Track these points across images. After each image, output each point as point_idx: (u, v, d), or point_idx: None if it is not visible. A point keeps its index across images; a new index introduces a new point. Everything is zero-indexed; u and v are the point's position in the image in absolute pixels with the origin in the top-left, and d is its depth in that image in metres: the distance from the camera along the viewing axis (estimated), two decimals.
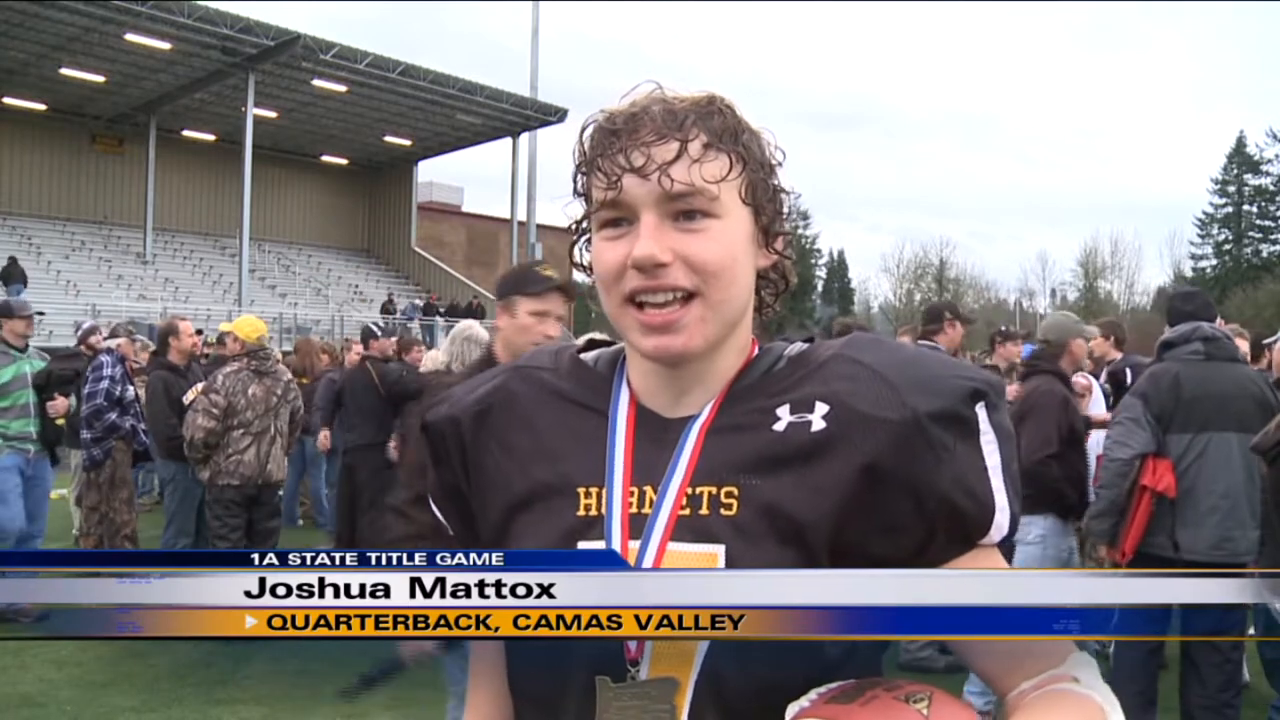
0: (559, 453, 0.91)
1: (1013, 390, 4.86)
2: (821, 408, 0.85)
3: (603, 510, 0.87)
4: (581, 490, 0.88)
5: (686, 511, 0.84)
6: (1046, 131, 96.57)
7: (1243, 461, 3.62)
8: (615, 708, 0.82)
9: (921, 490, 0.82)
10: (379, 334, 6.84)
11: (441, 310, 28.14)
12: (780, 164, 0.91)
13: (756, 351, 0.94)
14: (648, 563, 0.84)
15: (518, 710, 0.93)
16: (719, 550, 0.83)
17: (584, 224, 0.91)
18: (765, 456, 0.84)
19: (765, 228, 0.90)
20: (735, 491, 0.84)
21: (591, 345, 1.02)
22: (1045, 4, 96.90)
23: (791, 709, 0.77)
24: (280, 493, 5.99)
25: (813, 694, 0.77)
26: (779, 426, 0.85)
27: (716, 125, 0.85)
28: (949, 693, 0.76)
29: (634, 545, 0.84)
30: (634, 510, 0.86)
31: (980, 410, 0.85)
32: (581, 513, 0.87)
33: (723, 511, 0.84)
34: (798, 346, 0.94)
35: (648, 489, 0.86)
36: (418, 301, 30.18)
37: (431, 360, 6.73)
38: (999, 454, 0.85)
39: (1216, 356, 3.70)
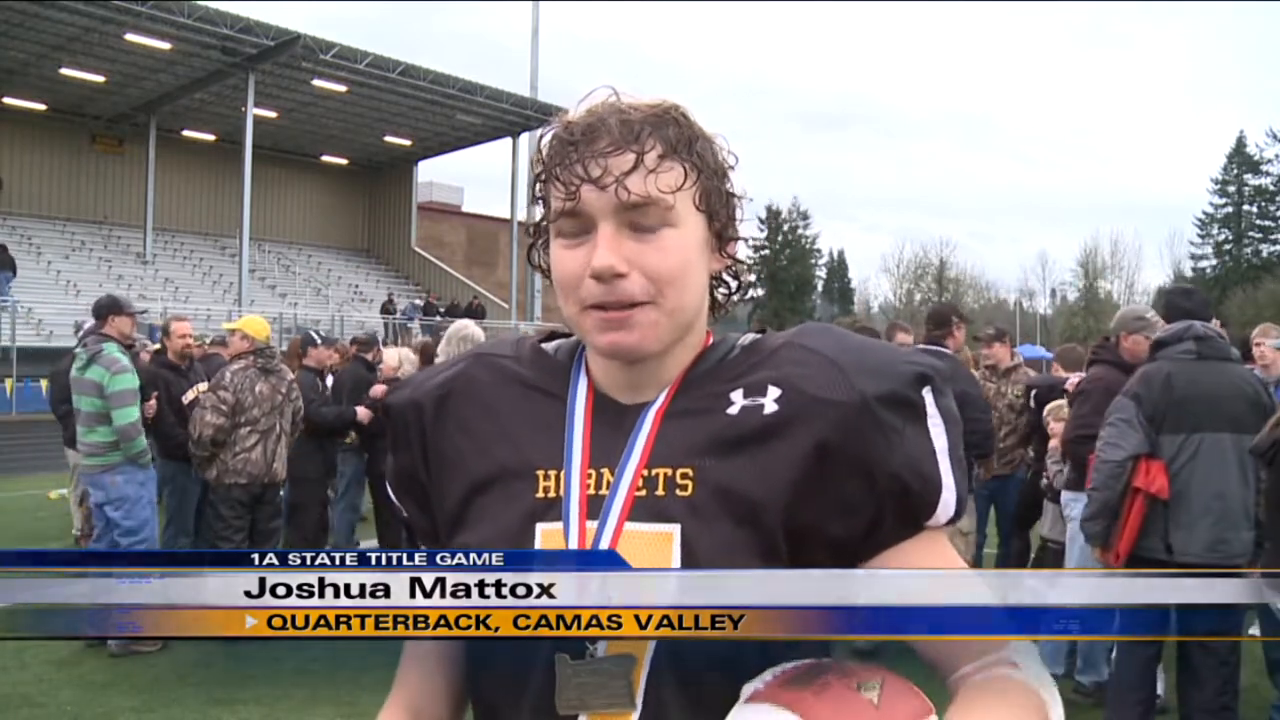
0: (518, 437, 0.93)
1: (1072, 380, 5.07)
2: (773, 391, 0.88)
3: (561, 492, 0.89)
4: (540, 473, 0.90)
5: (643, 493, 0.87)
6: (1045, 131, 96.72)
7: (1237, 462, 3.59)
8: (574, 684, 0.83)
9: (872, 470, 0.85)
10: (318, 341, 6.75)
11: (441, 310, 28.12)
12: (733, 168, 0.93)
13: (710, 342, 0.96)
14: (605, 543, 0.86)
15: (477, 688, 0.94)
16: (674, 530, 0.85)
17: (542, 227, 0.94)
18: (720, 439, 0.87)
19: (719, 233, 0.92)
20: (691, 473, 0.86)
21: (553, 336, 1.05)
22: (1044, 4, 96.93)
23: (747, 689, 0.78)
24: (282, 493, 5.99)
25: (768, 674, 0.79)
26: (733, 410, 0.88)
27: (671, 135, 0.87)
28: (900, 678, 0.78)
29: (591, 525, 0.86)
30: (592, 492, 0.88)
31: (927, 394, 0.88)
32: (540, 495, 0.89)
33: (678, 493, 0.86)
34: (750, 336, 0.97)
35: (605, 471, 0.89)
36: (418, 301, 30.17)
37: (392, 359, 6.75)
38: (945, 437, 0.88)
39: (1209, 356, 3.67)
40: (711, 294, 0.96)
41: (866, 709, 0.74)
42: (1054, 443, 4.93)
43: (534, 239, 0.96)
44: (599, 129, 0.86)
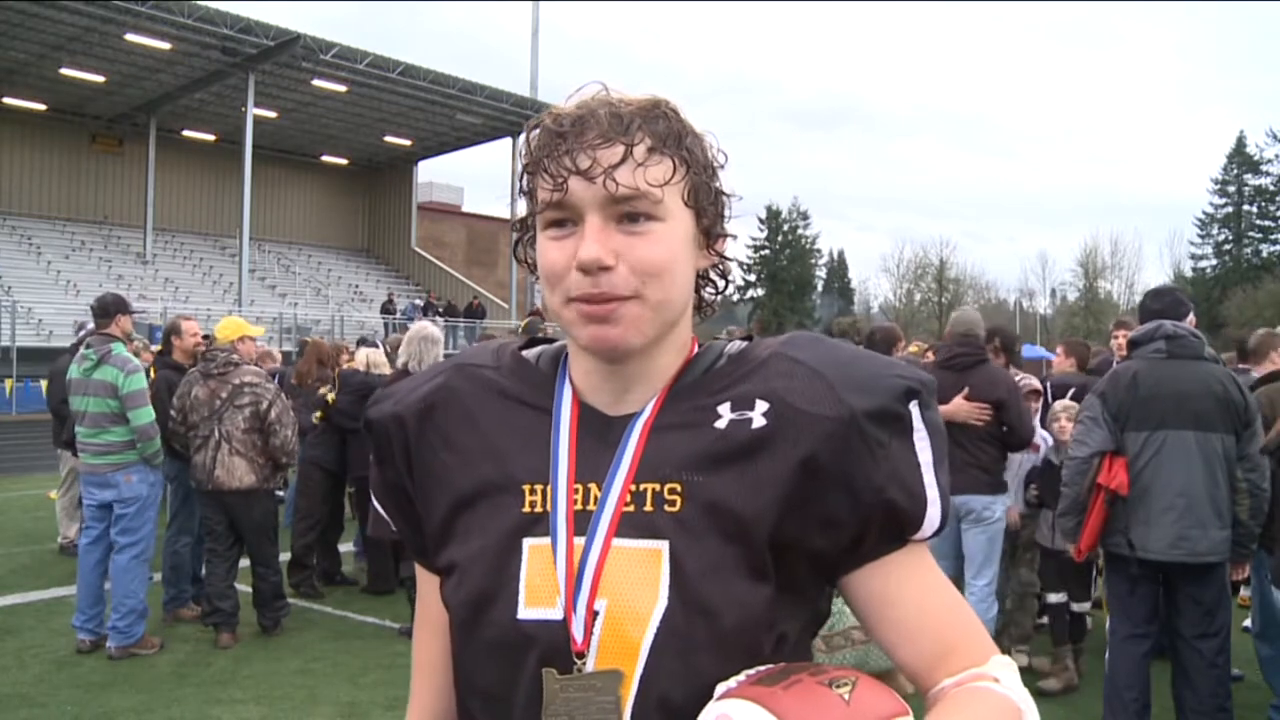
0: (503, 450, 0.92)
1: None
2: (761, 405, 0.87)
3: (548, 507, 0.88)
4: (526, 487, 0.89)
5: (631, 508, 0.86)
6: (1041, 131, 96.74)
7: (1202, 460, 3.59)
8: (561, 699, 0.83)
9: (858, 485, 0.84)
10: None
11: (441, 310, 28.13)
12: (723, 167, 0.93)
13: (696, 350, 0.96)
14: (593, 559, 0.85)
15: (465, 703, 0.93)
16: (663, 546, 0.84)
17: (528, 222, 0.93)
18: (708, 454, 0.86)
19: (706, 230, 0.92)
20: (679, 489, 0.85)
21: (533, 343, 1.03)
22: (1043, 3, 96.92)
23: (719, 689, 0.79)
24: (282, 497, 6.01)
25: (740, 675, 0.79)
26: (720, 424, 0.87)
27: (661, 129, 0.86)
28: (877, 680, 0.78)
29: (579, 541, 0.86)
30: (579, 507, 0.87)
31: (914, 408, 0.88)
32: (527, 509, 0.88)
33: (667, 508, 0.85)
34: (736, 345, 0.96)
35: (592, 486, 0.87)
36: (418, 301, 30.16)
37: (361, 360, 6.74)
38: (931, 450, 0.88)
39: (1178, 355, 3.69)
40: (698, 292, 0.95)
41: (836, 704, 0.74)
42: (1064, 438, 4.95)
43: (520, 234, 0.95)
44: (588, 121, 0.85)
